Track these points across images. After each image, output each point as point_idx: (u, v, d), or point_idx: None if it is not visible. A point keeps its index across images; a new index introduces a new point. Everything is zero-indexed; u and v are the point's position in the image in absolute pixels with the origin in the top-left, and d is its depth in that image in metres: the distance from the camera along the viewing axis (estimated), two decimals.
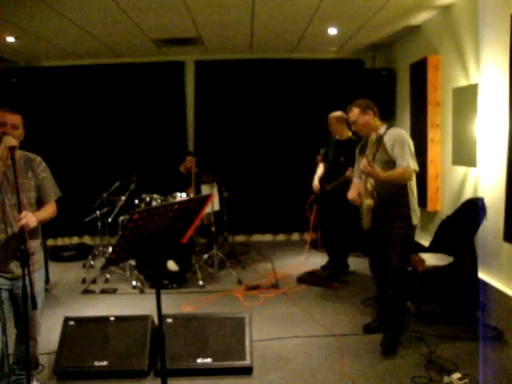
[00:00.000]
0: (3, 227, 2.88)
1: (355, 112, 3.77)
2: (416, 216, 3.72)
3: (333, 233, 5.80)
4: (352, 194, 3.90)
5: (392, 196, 3.67)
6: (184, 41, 6.57)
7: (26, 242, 2.68)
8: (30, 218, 2.75)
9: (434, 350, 3.65)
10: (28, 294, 2.69)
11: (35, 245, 3.05)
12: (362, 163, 3.52)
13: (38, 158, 3.13)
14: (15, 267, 2.87)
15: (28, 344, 2.82)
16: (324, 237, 6.59)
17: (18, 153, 3.04)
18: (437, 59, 5.33)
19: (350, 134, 5.53)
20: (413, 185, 3.70)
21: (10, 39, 6.08)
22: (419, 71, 5.64)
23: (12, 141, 2.76)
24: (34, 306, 2.70)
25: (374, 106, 3.82)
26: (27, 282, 2.69)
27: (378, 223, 3.75)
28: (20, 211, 2.73)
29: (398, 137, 3.62)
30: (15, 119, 2.89)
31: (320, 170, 5.92)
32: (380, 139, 3.68)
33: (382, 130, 3.73)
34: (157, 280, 2.55)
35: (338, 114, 5.58)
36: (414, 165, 3.56)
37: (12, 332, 3.16)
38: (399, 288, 3.73)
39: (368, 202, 3.66)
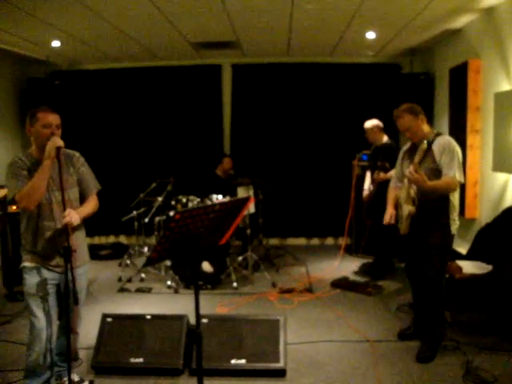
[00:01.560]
0: (53, 224, 2.99)
1: (408, 118, 3.68)
2: (455, 225, 3.66)
3: (380, 237, 5.79)
4: (388, 219, 3.92)
5: (433, 204, 3.60)
6: (222, 44, 6.64)
7: (69, 239, 2.77)
8: (73, 216, 2.85)
9: (471, 361, 3.56)
10: (70, 290, 2.77)
11: (79, 241, 3.14)
12: (409, 170, 3.48)
13: (77, 154, 3.24)
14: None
15: (69, 337, 2.90)
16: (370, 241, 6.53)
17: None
18: (478, 63, 5.23)
19: (385, 139, 5.73)
20: (455, 194, 3.64)
21: (56, 43, 6.27)
22: (459, 76, 5.54)
23: (60, 141, 2.87)
24: (76, 302, 2.78)
25: (422, 110, 3.74)
26: (70, 278, 2.77)
27: (416, 230, 3.70)
28: (65, 208, 2.83)
29: (447, 145, 3.55)
30: (58, 119, 3.01)
31: (368, 178, 5.96)
32: (428, 146, 3.59)
33: (431, 136, 3.64)
34: (195, 280, 2.58)
35: (373, 123, 5.72)
36: (459, 176, 3.50)
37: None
38: (436, 297, 3.67)
39: (410, 208, 3.61)
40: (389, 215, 3.95)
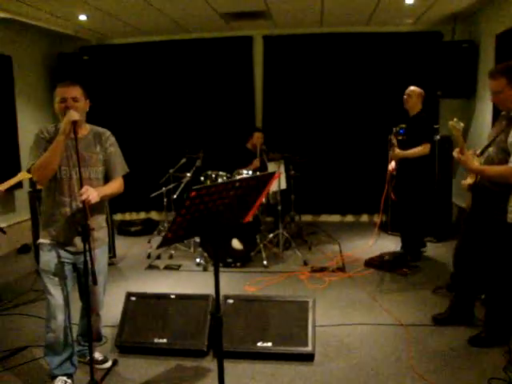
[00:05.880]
0: (68, 201, 2.89)
1: (501, 82, 3.14)
2: None
3: (407, 215, 5.50)
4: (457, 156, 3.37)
5: (490, 185, 3.22)
6: (252, 14, 6.39)
7: (87, 217, 2.67)
8: (90, 193, 2.72)
9: None
10: (89, 270, 2.68)
11: (98, 221, 3.04)
12: (455, 150, 3.22)
13: (108, 133, 3.11)
14: (79, 242, 2.85)
15: (89, 318, 2.84)
16: (397, 219, 6.25)
17: (88, 127, 3.04)
18: None
19: (418, 109, 5.29)
20: None
21: (82, 17, 6.18)
22: (507, 42, 5.15)
23: (75, 115, 2.72)
24: (95, 282, 2.68)
25: None
26: (88, 258, 2.68)
27: (475, 207, 3.41)
28: (81, 186, 2.71)
29: None
30: (74, 92, 2.85)
31: None
32: (510, 120, 3.16)
33: None
34: (216, 260, 2.43)
35: (416, 88, 5.32)
36: None
37: (78, 305, 3.22)
38: (496, 286, 3.40)
39: (468, 180, 3.36)
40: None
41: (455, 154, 3.32)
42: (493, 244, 3.33)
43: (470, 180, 3.38)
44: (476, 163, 3.28)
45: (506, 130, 3.16)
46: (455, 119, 3.28)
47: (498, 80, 3.17)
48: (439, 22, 6.80)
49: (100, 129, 3.10)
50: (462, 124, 3.26)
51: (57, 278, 2.90)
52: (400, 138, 5.71)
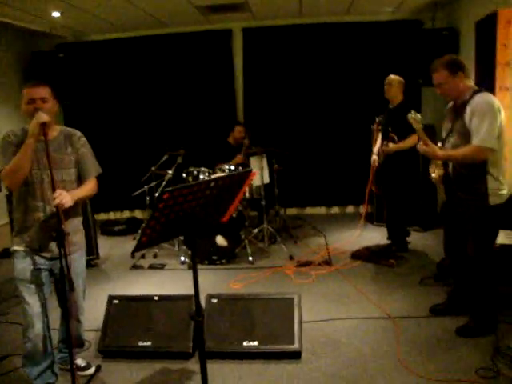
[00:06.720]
0: (41, 205, 2.79)
1: (443, 74, 3.26)
2: (496, 196, 3.19)
3: (391, 205, 5.45)
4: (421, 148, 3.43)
5: (466, 170, 3.24)
6: (230, 7, 6.29)
7: (61, 222, 2.57)
8: (64, 197, 2.62)
9: (502, 338, 3.27)
10: (65, 276, 2.59)
11: (74, 224, 2.95)
12: (419, 144, 3.29)
13: (78, 133, 3.02)
14: (54, 247, 2.75)
15: (68, 325, 2.75)
16: (382, 210, 6.21)
17: (57, 128, 2.95)
18: (509, 13, 4.78)
19: (400, 99, 5.24)
20: (497, 160, 3.20)
21: (56, 14, 6.03)
22: (487, 28, 5.10)
23: (44, 116, 2.63)
24: (71, 288, 2.59)
25: (463, 65, 3.31)
26: (64, 263, 2.59)
27: (451, 198, 3.40)
28: (54, 189, 2.61)
29: (480, 106, 3.10)
30: (43, 92, 2.76)
31: (378, 141, 5.53)
32: (463, 106, 3.22)
33: (467, 94, 3.25)
34: (194, 263, 2.35)
35: (397, 77, 5.27)
36: (489, 143, 3.05)
37: (58, 311, 3.11)
38: (477, 271, 3.36)
39: (440, 172, 3.36)
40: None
41: (419, 146, 3.39)
42: (474, 229, 3.31)
43: (438, 172, 3.38)
44: (441, 151, 3.33)
45: (461, 117, 3.23)
46: (413, 111, 3.40)
47: (440, 72, 3.30)
48: (419, 9, 6.76)
49: (70, 129, 3.01)
50: (419, 116, 3.37)
51: (33, 286, 2.80)
52: (380, 127, 5.62)
